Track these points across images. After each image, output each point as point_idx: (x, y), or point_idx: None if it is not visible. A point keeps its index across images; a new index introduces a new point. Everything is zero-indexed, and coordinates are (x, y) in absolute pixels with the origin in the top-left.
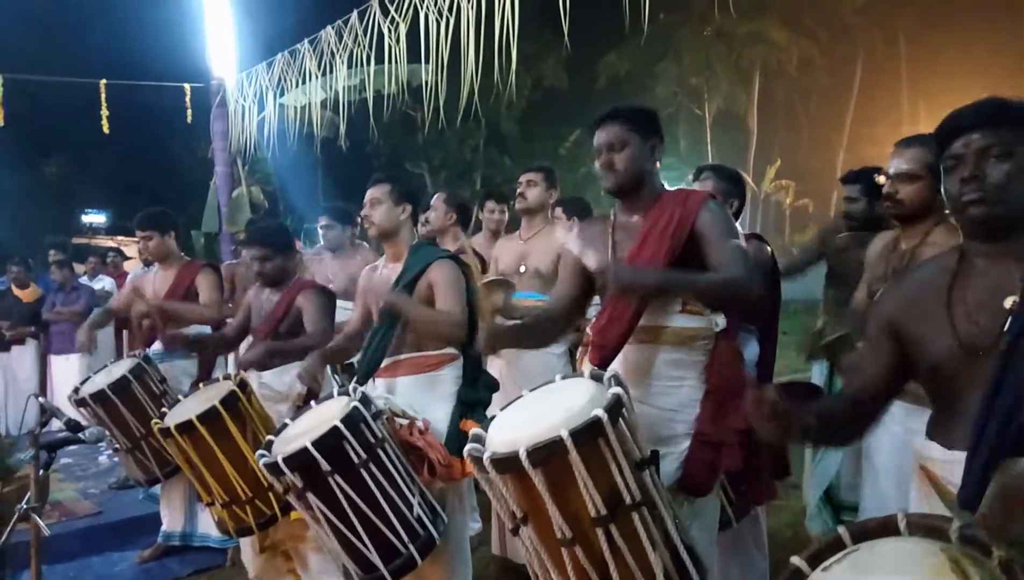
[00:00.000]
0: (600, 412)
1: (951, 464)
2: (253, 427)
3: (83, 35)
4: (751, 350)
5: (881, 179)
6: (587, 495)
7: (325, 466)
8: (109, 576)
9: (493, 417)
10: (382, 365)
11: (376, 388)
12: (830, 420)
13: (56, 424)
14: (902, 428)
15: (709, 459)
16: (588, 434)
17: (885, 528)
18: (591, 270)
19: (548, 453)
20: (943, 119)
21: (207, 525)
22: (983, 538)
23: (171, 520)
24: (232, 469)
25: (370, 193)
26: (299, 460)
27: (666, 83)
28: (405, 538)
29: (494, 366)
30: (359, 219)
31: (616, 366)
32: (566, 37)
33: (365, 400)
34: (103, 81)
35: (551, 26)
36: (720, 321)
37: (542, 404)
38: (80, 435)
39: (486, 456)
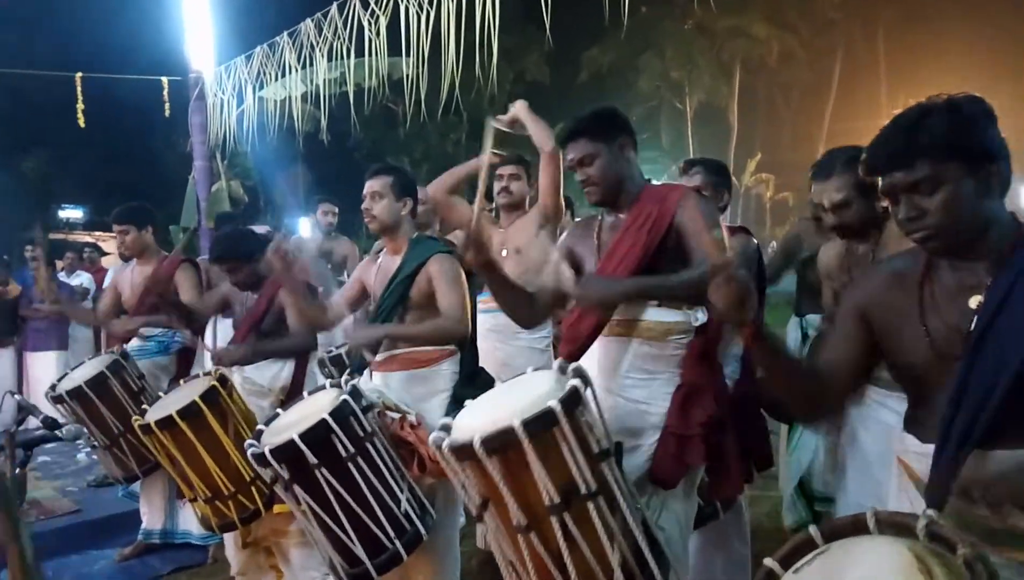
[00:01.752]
0: (553, 403)
1: (925, 457)
2: (235, 422)
3: (60, 28)
4: (736, 343)
5: (821, 212)
6: (541, 483)
7: (312, 459)
8: (88, 575)
9: (464, 404)
10: (378, 359)
11: (371, 381)
12: (793, 373)
13: (33, 422)
14: (895, 417)
15: (675, 452)
16: (540, 424)
17: (855, 526)
18: (567, 288)
19: (501, 442)
20: (864, 154)
21: (188, 521)
22: (949, 535)
23: (151, 518)
24: (214, 464)
25: (370, 185)
26: (286, 452)
27: (648, 77)
28: (392, 533)
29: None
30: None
31: (591, 357)
32: (548, 31)
33: (355, 393)
34: (79, 74)
35: (533, 20)
36: (700, 315)
37: (506, 395)
38: (58, 433)
39: (444, 444)
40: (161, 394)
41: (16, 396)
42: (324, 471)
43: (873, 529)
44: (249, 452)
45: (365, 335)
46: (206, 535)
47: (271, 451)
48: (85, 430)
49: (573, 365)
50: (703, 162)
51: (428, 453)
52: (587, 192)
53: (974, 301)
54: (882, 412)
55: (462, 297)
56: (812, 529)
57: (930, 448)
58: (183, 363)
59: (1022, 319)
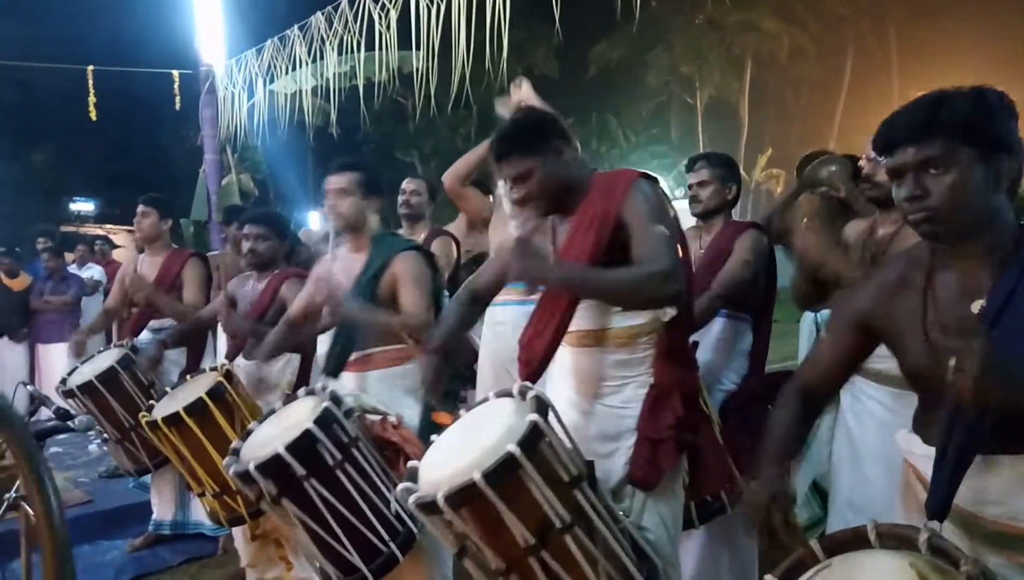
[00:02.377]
0: (513, 447)
1: (929, 460)
2: (241, 417)
3: (71, 21)
4: (745, 339)
5: (862, 162)
6: (513, 528)
7: (300, 470)
8: (100, 565)
9: (432, 442)
10: (352, 359)
11: (345, 384)
12: (793, 438)
13: (45, 413)
14: (889, 413)
15: (649, 455)
16: (502, 472)
17: (856, 539)
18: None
19: (464, 497)
20: (879, 127)
21: (200, 513)
22: (951, 550)
23: (162, 509)
24: (222, 460)
25: (335, 181)
26: (273, 466)
27: (658, 72)
28: (385, 536)
29: (481, 362)
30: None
31: (563, 370)
32: (557, 25)
33: (335, 399)
34: (90, 68)
35: (542, 14)
36: (670, 310)
37: (467, 435)
38: (69, 424)
39: (411, 501)
40: (169, 389)
41: (28, 387)
42: (313, 481)
43: (874, 542)
44: (231, 471)
45: (351, 309)
46: (217, 526)
47: (257, 467)
48: (96, 423)
49: (532, 393)
50: (707, 157)
51: (414, 451)
52: (531, 207)
53: (976, 306)
54: (876, 407)
55: (426, 297)
56: (813, 543)
57: (932, 451)
58: (193, 356)
59: (1023, 327)
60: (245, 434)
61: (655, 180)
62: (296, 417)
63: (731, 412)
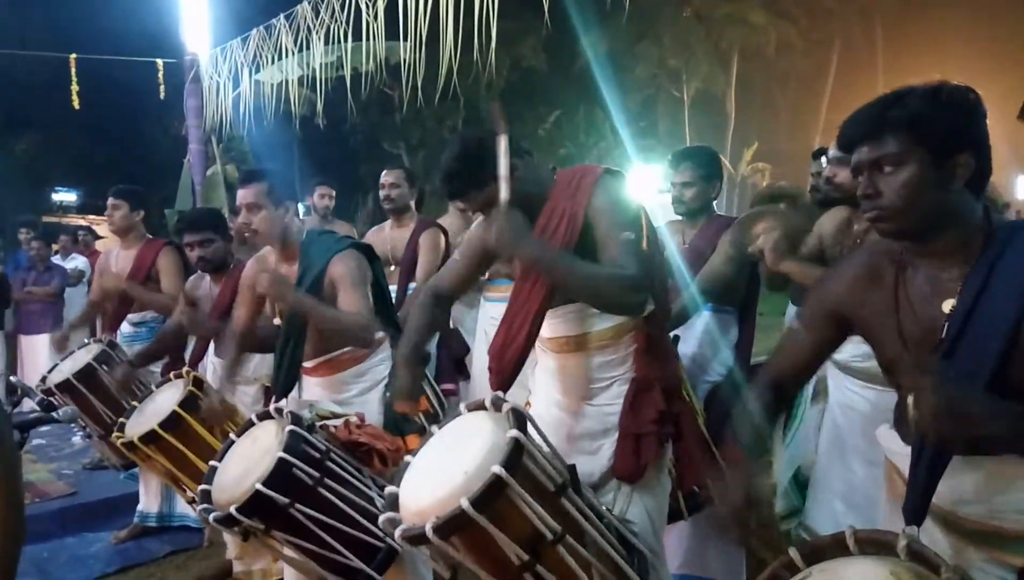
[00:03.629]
0: (497, 469)
1: (905, 458)
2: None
3: (54, 9)
4: (730, 332)
5: (824, 165)
6: (505, 547)
7: (283, 500)
8: (84, 557)
9: (407, 463)
10: (309, 365)
11: (311, 390)
12: (766, 434)
13: (28, 404)
14: (873, 408)
15: (632, 450)
16: (490, 495)
17: (835, 546)
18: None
19: (453, 526)
20: (841, 127)
21: (186, 505)
22: (931, 556)
23: (148, 500)
24: (205, 466)
25: (243, 196)
26: (254, 504)
27: (646, 65)
28: (379, 533)
29: (479, 356)
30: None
31: (548, 375)
32: (546, 16)
33: (296, 419)
34: (73, 56)
35: (531, 6)
36: (649, 305)
37: (446, 456)
38: (53, 415)
39: (397, 534)
40: (136, 403)
41: (12, 378)
42: (298, 506)
43: (853, 549)
44: (211, 519)
45: (286, 286)
46: None
47: (238, 509)
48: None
49: (507, 405)
50: (691, 156)
51: (385, 446)
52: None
53: (947, 305)
54: (861, 402)
55: (363, 298)
56: (792, 552)
57: (909, 449)
58: (175, 349)
59: (993, 325)
60: (208, 472)
61: (620, 174)
62: (262, 446)
63: (716, 403)
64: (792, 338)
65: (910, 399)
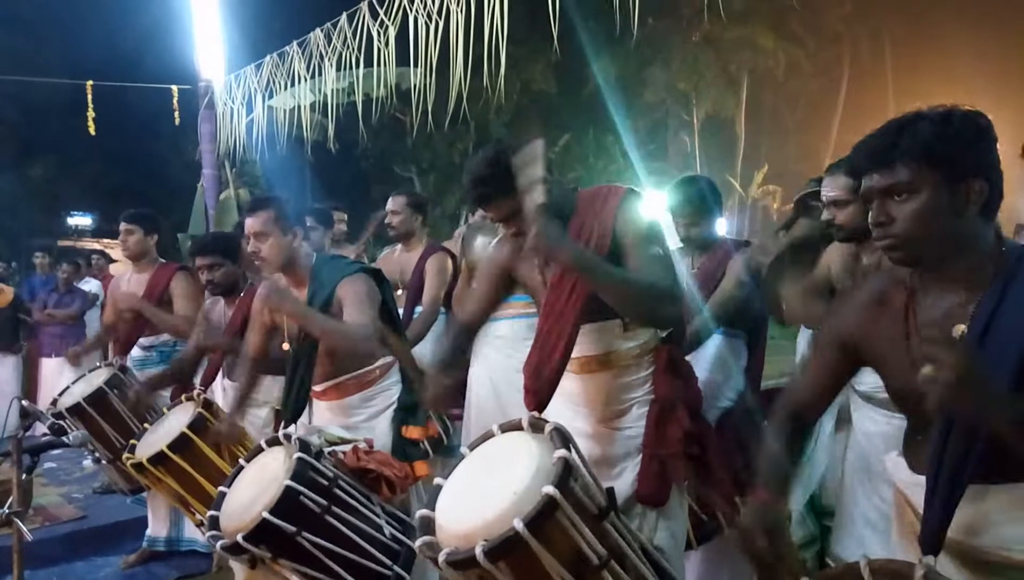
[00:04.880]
0: (551, 490)
1: (915, 488)
2: (228, 444)
3: (70, 36)
4: (741, 356)
5: (823, 209)
6: (553, 571)
7: (290, 528)
8: None
9: (439, 486)
10: (319, 389)
11: (321, 415)
12: (787, 463)
13: (40, 428)
14: (898, 432)
15: (659, 471)
16: (543, 517)
17: (848, 575)
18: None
19: (506, 548)
20: (851, 153)
21: (194, 529)
22: None
23: (156, 525)
24: (215, 489)
25: (251, 224)
26: (261, 532)
27: (654, 89)
28: (387, 561)
29: (479, 377)
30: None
31: (567, 397)
32: (556, 41)
33: (304, 446)
34: (90, 82)
35: (541, 31)
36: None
37: (487, 477)
38: (64, 439)
39: (441, 559)
40: (147, 426)
41: (23, 402)
42: (305, 535)
43: (868, 578)
44: (218, 546)
45: (284, 296)
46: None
47: (245, 537)
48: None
49: (550, 426)
50: (688, 200)
51: (394, 473)
52: (521, 240)
53: (958, 330)
54: (886, 427)
55: (367, 314)
56: None
57: (919, 479)
58: (189, 375)
59: (1005, 350)
60: (217, 498)
61: (641, 194)
62: (269, 473)
63: (727, 429)
64: (808, 368)
65: (927, 369)
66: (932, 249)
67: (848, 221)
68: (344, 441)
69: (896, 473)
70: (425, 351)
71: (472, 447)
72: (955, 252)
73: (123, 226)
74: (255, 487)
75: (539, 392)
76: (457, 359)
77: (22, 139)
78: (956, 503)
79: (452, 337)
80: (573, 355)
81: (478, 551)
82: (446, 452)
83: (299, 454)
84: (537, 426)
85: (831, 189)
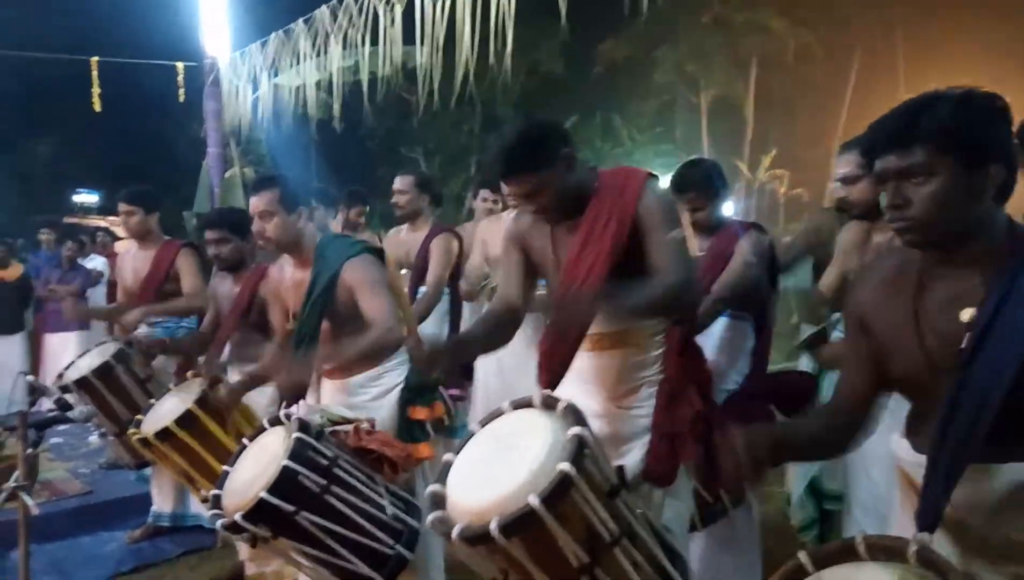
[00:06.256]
0: (566, 466)
1: (919, 467)
2: (234, 421)
3: (74, 12)
4: (748, 339)
5: (833, 185)
6: (567, 548)
7: (288, 508)
8: (99, 555)
9: (450, 463)
10: (328, 368)
11: (318, 395)
12: (816, 440)
13: (46, 403)
14: (890, 415)
15: (668, 450)
16: (559, 494)
17: (845, 552)
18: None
19: (521, 524)
20: (866, 133)
21: (199, 505)
22: (940, 562)
23: (161, 501)
24: (219, 465)
25: (255, 204)
26: (259, 511)
27: (663, 71)
28: (389, 540)
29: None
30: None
31: (578, 374)
32: (563, 21)
33: (303, 426)
34: (95, 59)
35: (548, 10)
36: None
37: (499, 454)
38: (69, 414)
39: (455, 534)
40: (153, 402)
41: (29, 377)
42: (304, 514)
43: (863, 554)
44: (218, 525)
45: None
46: None
47: (243, 516)
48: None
49: (563, 403)
50: (692, 182)
51: (396, 454)
52: (541, 217)
53: (966, 314)
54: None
55: (386, 300)
56: (802, 555)
57: (922, 458)
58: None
59: (1014, 336)
60: (221, 477)
61: (658, 178)
62: (269, 453)
63: (732, 412)
64: (845, 358)
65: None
66: (948, 233)
67: (860, 197)
68: (346, 420)
69: (900, 453)
70: (428, 331)
71: (483, 424)
72: (970, 236)
73: (122, 207)
74: (255, 467)
75: (553, 370)
76: (492, 342)
77: (27, 116)
78: (956, 480)
79: (487, 319)
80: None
81: (493, 527)
82: (448, 433)
83: (297, 434)
84: (549, 403)
85: (841, 166)
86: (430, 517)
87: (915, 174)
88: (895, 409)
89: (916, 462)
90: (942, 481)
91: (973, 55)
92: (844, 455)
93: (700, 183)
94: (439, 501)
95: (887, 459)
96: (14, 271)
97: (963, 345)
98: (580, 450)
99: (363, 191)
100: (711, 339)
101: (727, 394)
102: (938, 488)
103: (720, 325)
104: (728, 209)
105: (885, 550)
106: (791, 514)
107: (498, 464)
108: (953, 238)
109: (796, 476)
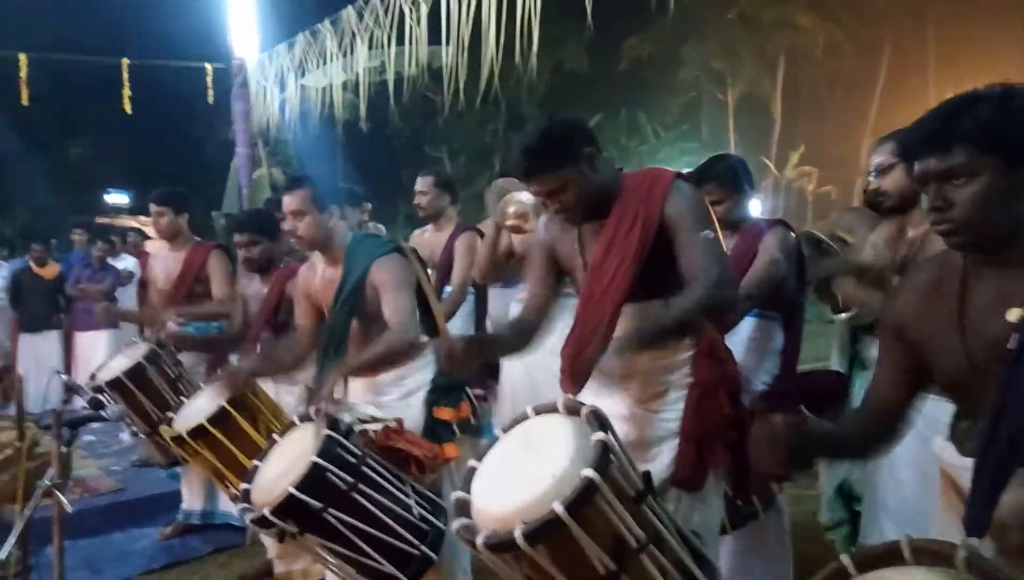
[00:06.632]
0: (591, 473)
1: (964, 471)
2: (264, 420)
3: (105, 14)
4: (776, 338)
5: (869, 178)
6: (593, 555)
7: (316, 504)
8: (130, 552)
9: (474, 469)
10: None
11: (354, 391)
12: (846, 442)
13: (79, 402)
14: (923, 419)
15: (696, 455)
16: (583, 501)
17: (889, 555)
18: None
19: (546, 531)
20: (904, 132)
21: (228, 503)
22: (990, 569)
23: (191, 499)
24: (250, 462)
25: (287, 204)
26: (288, 507)
27: (689, 67)
28: (414, 541)
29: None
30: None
31: (607, 374)
32: (589, 19)
33: (332, 423)
34: (125, 61)
35: (573, 9)
36: None
37: (523, 460)
38: (102, 413)
39: (479, 541)
40: (184, 399)
41: (63, 376)
42: (332, 511)
43: (909, 558)
44: (247, 519)
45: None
46: None
47: (272, 511)
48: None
49: (587, 408)
50: (716, 176)
51: (423, 454)
52: (565, 217)
53: (1013, 314)
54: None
55: (407, 302)
56: (844, 559)
57: (968, 462)
58: (220, 353)
59: None
60: (251, 472)
61: (687, 180)
62: (299, 449)
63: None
64: (878, 360)
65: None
66: (992, 233)
67: (894, 187)
68: (374, 419)
69: (945, 456)
70: (454, 331)
71: (506, 429)
72: (1014, 235)
73: (153, 208)
74: (285, 462)
75: (576, 375)
76: (515, 345)
77: (60, 118)
78: (1004, 485)
79: (513, 326)
80: (614, 334)
81: (517, 534)
82: (475, 433)
83: (327, 431)
84: (573, 408)
85: (877, 156)
86: (455, 524)
87: (956, 175)
88: (929, 415)
89: (962, 466)
90: (988, 484)
91: (1005, 51)
92: (875, 460)
93: (722, 176)
94: (463, 508)
95: (917, 462)
96: (51, 270)
97: (1010, 345)
98: (605, 456)
99: (361, 190)
100: (739, 338)
101: (755, 395)
102: (985, 492)
103: (748, 324)
104: (755, 207)
105: (932, 554)
106: (820, 513)
107: (522, 470)
108: (997, 238)
109: (828, 477)
